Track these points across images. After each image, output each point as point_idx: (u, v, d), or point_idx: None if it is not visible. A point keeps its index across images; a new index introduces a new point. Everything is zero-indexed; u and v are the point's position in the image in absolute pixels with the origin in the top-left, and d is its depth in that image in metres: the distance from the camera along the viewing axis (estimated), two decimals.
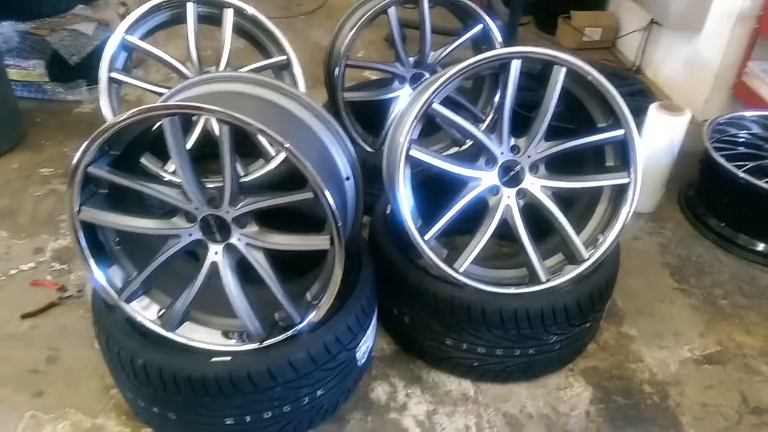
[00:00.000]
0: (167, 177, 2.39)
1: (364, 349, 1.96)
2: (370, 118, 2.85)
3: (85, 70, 3.60)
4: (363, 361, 2.00)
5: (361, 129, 2.77)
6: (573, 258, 2.03)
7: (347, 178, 1.93)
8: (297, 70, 2.57)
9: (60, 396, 2.04)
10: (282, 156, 2.54)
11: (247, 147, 2.43)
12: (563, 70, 1.87)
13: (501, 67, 1.93)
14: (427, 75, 2.78)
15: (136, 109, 1.52)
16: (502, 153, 1.97)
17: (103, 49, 2.43)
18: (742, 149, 2.90)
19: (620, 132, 1.94)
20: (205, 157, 2.55)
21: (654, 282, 2.61)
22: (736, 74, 3.49)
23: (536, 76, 1.97)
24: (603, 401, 2.11)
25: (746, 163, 2.77)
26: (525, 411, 2.07)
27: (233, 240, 1.76)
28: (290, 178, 2.54)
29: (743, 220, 2.79)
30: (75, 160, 1.60)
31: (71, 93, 3.64)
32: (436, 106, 1.88)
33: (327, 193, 1.58)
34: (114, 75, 2.38)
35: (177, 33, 2.91)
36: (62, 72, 3.59)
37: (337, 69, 2.59)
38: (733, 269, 2.70)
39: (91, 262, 1.74)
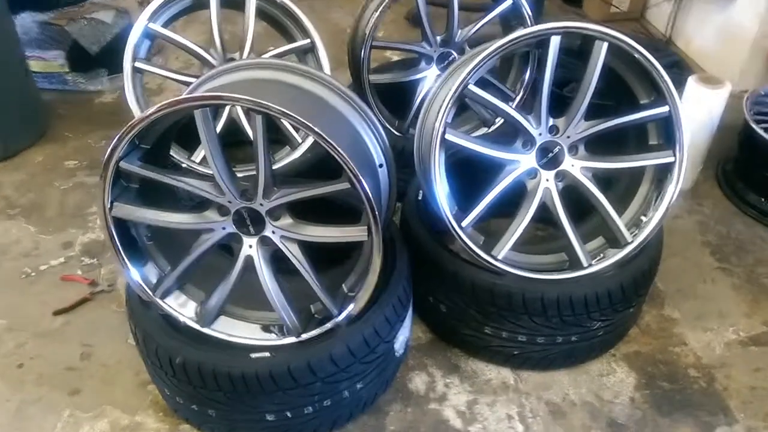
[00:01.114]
0: (196, 167, 2.35)
1: (401, 339, 1.92)
2: (395, 100, 2.78)
3: (105, 59, 3.56)
4: (401, 352, 1.97)
5: (387, 112, 2.70)
6: (615, 241, 1.96)
7: (380, 165, 1.87)
8: (322, 53, 2.50)
9: (97, 393, 2.03)
10: (308, 143, 2.49)
11: (271, 133, 2.38)
12: (605, 45, 1.79)
13: (538, 44, 1.84)
14: (454, 54, 2.70)
15: (167, 101, 1.47)
16: (540, 134, 1.90)
17: (124, 37, 2.38)
18: None
19: (665, 109, 1.85)
20: (231, 145, 2.52)
21: (695, 261, 2.53)
22: None
23: (575, 52, 1.88)
24: (648, 387, 2.05)
25: None
26: (568, 399, 2.02)
27: (267, 233, 1.72)
28: (318, 165, 2.51)
29: None
30: (106, 156, 1.56)
31: (92, 83, 3.61)
32: (472, 87, 1.81)
33: (364, 183, 1.52)
34: (138, 64, 2.33)
35: (194, 18, 2.85)
36: (83, 62, 3.55)
37: (362, 51, 2.52)
38: None
39: (126, 259, 1.70)
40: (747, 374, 2.09)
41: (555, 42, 1.79)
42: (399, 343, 1.91)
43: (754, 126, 2.70)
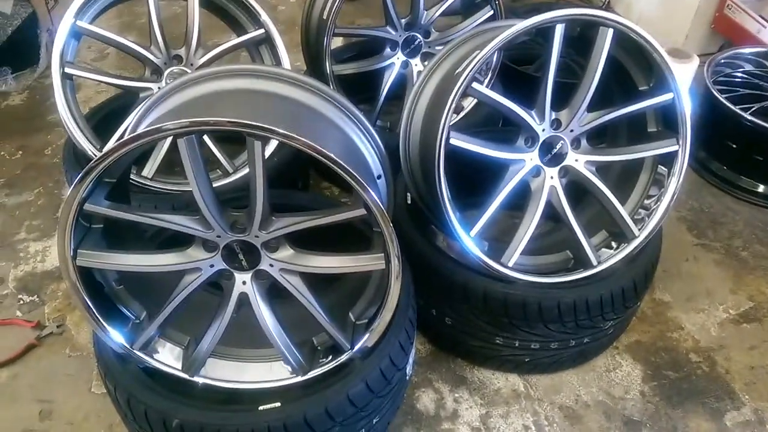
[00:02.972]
0: (149, 184, 2.06)
1: (411, 362, 1.77)
2: (356, 87, 2.57)
3: (7, 56, 3.10)
4: (410, 374, 1.82)
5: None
6: (621, 236, 1.88)
7: (379, 177, 1.68)
8: (279, 44, 2.23)
9: None
10: (273, 147, 2.24)
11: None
12: (610, 31, 1.66)
13: (537, 32, 1.69)
14: (420, 38, 2.51)
15: (144, 131, 1.22)
16: (543, 130, 1.76)
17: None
18: (742, 90, 2.82)
19: (668, 96, 1.76)
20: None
21: (675, 239, 2.52)
22: (716, 8, 3.38)
23: (574, 38, 1.75)
24: (655, 378, 2.02)
25: (751, 105, 2.69)
26: (581, 401, 1.95)
27: (264, 266, 1.50)
28: (284, 170, 2.28)
29: (747, 164, 2.73)
30: (68, 199, 1.28)
31: None
32: (476, 86, 1.64)
33: (384, 209, 1.34)
34: (68, 70, 1.98)
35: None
36: None
37: (324, 39, 2.28)
38: (745, 217, 2.65)
39: (100, 320, 1.43)
40: (744, 354, 2.11)
41: (560, 31, 1.65)
42: (409, 366, 1.76)
43: (717, 95, 2.70)
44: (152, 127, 1.20)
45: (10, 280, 2.26)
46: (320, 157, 1.27)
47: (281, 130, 1.23)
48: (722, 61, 2.91)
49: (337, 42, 3.40)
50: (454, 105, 1.61)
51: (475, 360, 2.01)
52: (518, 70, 2.78)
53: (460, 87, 1.60)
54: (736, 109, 2.62)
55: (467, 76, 1.59)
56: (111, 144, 1.25)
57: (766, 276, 2.38)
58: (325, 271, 1.49)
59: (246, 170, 2.22)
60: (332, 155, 1.26)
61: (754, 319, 2.22)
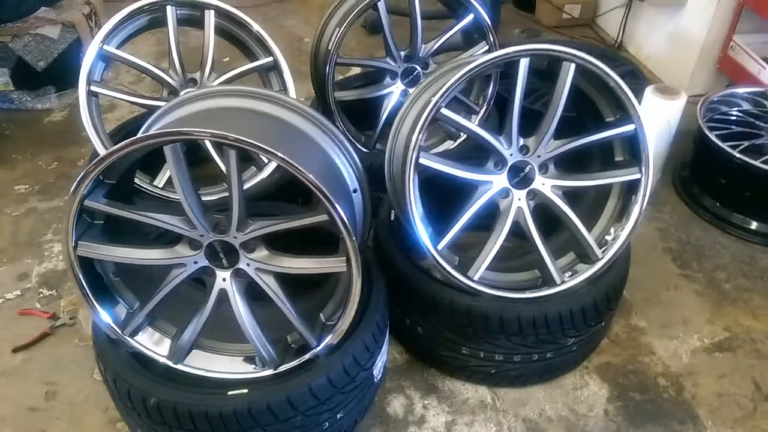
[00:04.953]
0: (160, 193, 2.28)
1: (380, 365, 1.90)
2: (360, 115, 2.76)
3: (52, 76, 3.42)
4: (379, 377, 1.95)
5: (353, 128, 2.68)
6: (586, 257, 1.99)
7: (354, 191, 1.85)
8: (285, 71, 2.45)
9: None
10: (274, 164, 2.44)
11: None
12: (572, 66, 1.81)
13: (507, 64, 1.85)
14: (419, 69, 2.70)
15: (135, 138, 1.42)
16: (511, 154, 1.91)
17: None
18: (735, 128, 2.89)
19: (631, 127, 1.88)
20: (192, 163, 2.43)
21: (658, 269, 2.60)
22: (721, 49, 3.47)
23: (543, 72, 1.90)
24: (620, 398, 2.10)
25: (741, 142, 2.76)
26: (544, 415, 2.04)
27: (242, 265, 1.67)
28: (285, 185, 2.47)
29: (738, 200, 2.79)
30: (69, 194, 1.49)
31: (40, 101, 3.46)
32: (445, 111, 1.80)
33: (343, 216, 1.50)
34: (94, 88, 2.23)
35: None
36: (29, 79, 3.40)
37: (326, 68, 2.48)
38: (732, 251, 2.70)
39: (94, 302, 1.63)
40: (713, 381, 2.16)
41: (524, 64, 1.80)
42: (378, 369, 1.90)
43: (707, 132, 2.78)
44: (140, 136, 1.40)
45: (34, 276, 2.50)
46: (284, 164, 1.44)
47: (251, 141, 1.41)
48: (716, 99, 2.99)
49: (355, 70, 3.64)
50: (424, 128, 1.77)
51: (445, 370, 2.13)
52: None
53: (430, 112, 1.77)
54: (724, 146, 2.69)
55: (435, 103, 1.76)
56: (105, 151, 1.44)
57: (747, 308, 2.43)
58: (293, 271, 1.66)
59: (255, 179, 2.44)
60: (288, 159, 1.42)
61: (727, 349, 2.27)
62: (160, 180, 2.32)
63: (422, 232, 1.84)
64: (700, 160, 2.94)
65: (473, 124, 1.85)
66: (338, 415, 1.78)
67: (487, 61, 1.76)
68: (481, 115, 2.74)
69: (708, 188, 2.89)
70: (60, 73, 3.40)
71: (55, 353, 2.20)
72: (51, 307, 2.36)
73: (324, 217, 1.54)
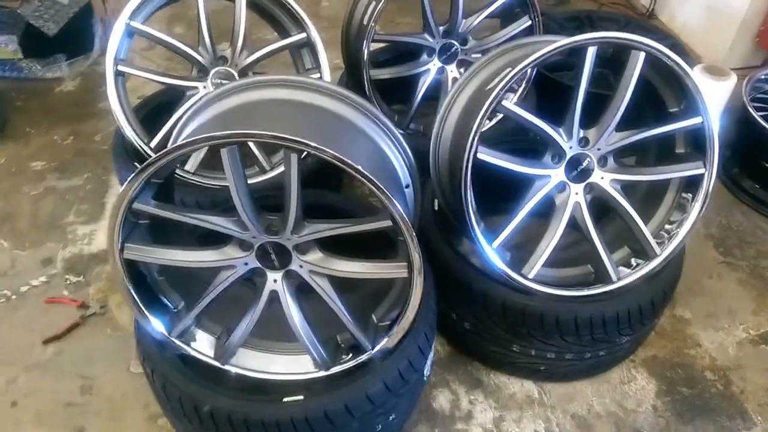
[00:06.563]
0: (192, 179, 2.18)
1: (429, 364, 1.85)
2: (388, 90, 2.63)
3: (62, 44, 3.25)
4: (427, 375, 1.90)
5: (386, 107, 2.56)
6: (643, 253, 1.92)
7: (407, 186, 1.76)
8: (320, 49, 2.32)
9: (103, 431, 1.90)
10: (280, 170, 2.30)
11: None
12: (642, 54, 1.70)
13: (571, 52, 1.74)
14: (457, 45, 2.56)
15: (191, 140, 1.31)
16: (570, 147, 1.81)
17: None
18: None
19: (697, 120, 1.79)
20: None
21: (700, 256, 2.53)
22: (762, 22, 3.33)
23: (608, 60, 1.79)
24: (668, 393, 2.06)
25: None
26: (593, 411, 2.01)
27: (294, 267, 1.60)
28: (318, 170, 2.36)
29: None
30: (118, 197, 1.40)
31: (50, 70, 3.30)
32: (506, 104, 1.70)
33: (409, 223, 1.42)
34: (121, 68, 2.10)
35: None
36: (38, 47, 3.24)
37: (363, 45, 2.35)
38: None
39: (144, 309, 1.55)
40: (761, 375, 2.13)
41: (591, 52, 1.69)
42: (427, 368, 1.85)
43: (753, 112, 2.68)
44: (200, 137, 1.30)
45: (58, 261, 2.41)
46: (350, 170, 1.35)
47: (313, 144, 1.31)
48: (762, 77, 2.88)
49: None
50: (481, 124, 1.67)
51: (491, 364, 2.08)
52: (553, 79, 2.80)
53: (489, 105, 1.66)
54: None
55: (496, 95, 1.65)
56: (160, 151, 1.34)
57: None
58: (350, 275, 1.58)
59: (282, 168, 2.32)
60: (360, 168, 1.33)
61: None
62: (192, 165, 2.20)
63: (478, 230, 1.76)
64: (742, 140, 2.84)
65: (535, 117, 1.74)
66: (391, 417, 1.74)
67: (553, 50, 1.65)
68: (519, 93, 2.63)
69: (749, 170, 2.81)
70: (70, 41, 3.25)
71: (88, 345, 2.13)
72: (79, 295, 2.28)
73: (387, 223, 1.45)
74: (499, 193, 1.90)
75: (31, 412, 1.94)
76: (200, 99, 1.69)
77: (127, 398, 1.98)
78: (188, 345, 1.67)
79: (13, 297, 2.27)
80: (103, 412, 1.95)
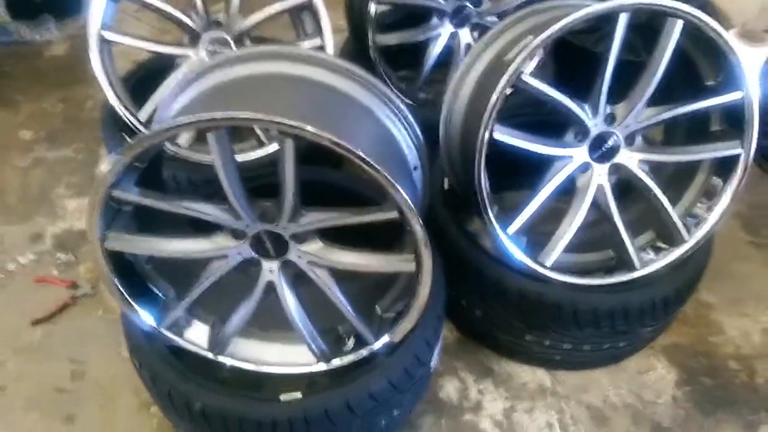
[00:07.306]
0: (184, 154, 2.03)
1: (436, 356, 1.74)
2: (400, 55, 2.46)
3: (50, 5, 3.07)
4: (434, 365, 1.79)
5: (394, 77, 2.39)
6: (670, 238, 1.78)
7: (415, 168, 1.61)
8: (322, 12, 2.13)
9: (94, 419, 1.82)
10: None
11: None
12: (680, 23, 1.52)
13: (599, 19, 1.56)
14: (470, 7, 2.37)
15: (175, 122, 1.18)
16: (596, 125, 1.65)
17: None
18: None
19: (738, 95, 1.62)
20: None
21: (726, 236, 2.37)
22: None
23: (640, 27, 1.61)
24: (689, 383, 1.95)
25: None
26: (608, 401, 1.91)
27: (292, 257, 1.47)
28: (318, 145, 2.21)
29: None
30: (96, 186, 1.26)
31: (39, 32, 3.14)
32: (526, 78, 1.53)
33: (418, 216, 1.28)
34: (105, 34, 1.93)
35: None
36: (25, 9, 3.07)
37: (369, 7, 2.16)
38: None
39: (131, 301, 1.43)
40: None
41: (623, 20, 1.52)
42: (434, 360, 1.73)
43: None
44: (181, 120, 1.16)
45: (48, 237, 2.30)
46: (351, 156, 1.21)
47: (310, 128, 1.16)
48: None
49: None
50: (500, 98, 1.52)
51: (502, 352, 1.97)
52: (574, 44, 2.61)
53: (508, 79, 1.50)
54: None
55: (516, 68, 1.49)
56: (138, 137, 1.20)
57: None
58: (353, 268, 1.46)
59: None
60: (362, 154, 1.19)
61: None
62: (185, 139, 2.05)
63: (492, 217, 1.62)
64: None
65: (557, 92, 1.58)
66: (395, 412, 1.64)
67: (580, 17, 1.48)
68: (536, 63, 2.44)
69: None
70: (59, 2, 3.06)
71: (78, 326, 2.04)
72: (70, 274, 2.17)
73: (394, 214, 1.31)
74: (509, 167, 1.76)
75: (21, 396, 1.86)
76: (189, 74, 1.53)
77: (118, 384, 1.89)
78: (180, 336, 1.56)
79: (1, 275, 2.16)
80: (94, 399, 1.86)
